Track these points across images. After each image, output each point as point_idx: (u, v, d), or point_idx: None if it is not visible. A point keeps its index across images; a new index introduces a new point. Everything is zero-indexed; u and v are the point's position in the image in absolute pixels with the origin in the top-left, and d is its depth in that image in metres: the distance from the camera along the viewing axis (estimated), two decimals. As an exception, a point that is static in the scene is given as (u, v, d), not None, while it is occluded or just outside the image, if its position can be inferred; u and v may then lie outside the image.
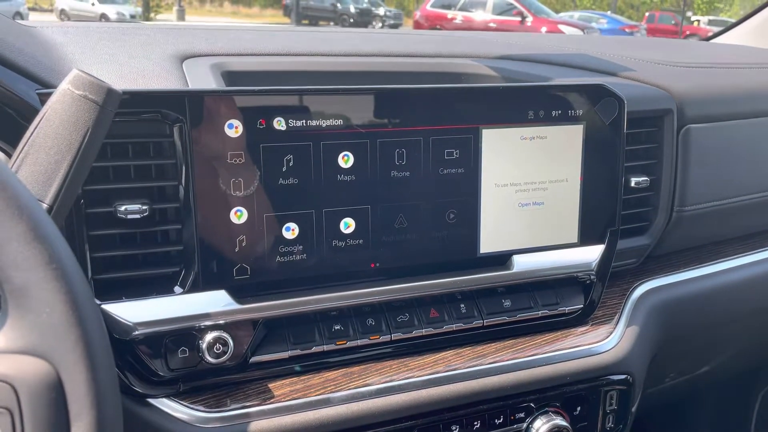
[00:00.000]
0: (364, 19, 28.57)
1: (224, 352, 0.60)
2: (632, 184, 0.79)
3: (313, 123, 0.62)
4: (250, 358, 0.62)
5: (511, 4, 15.63)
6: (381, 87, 0.64)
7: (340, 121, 0.63)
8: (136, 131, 0.57)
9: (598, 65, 0.90)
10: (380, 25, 29.09)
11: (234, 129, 0.59)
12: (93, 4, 20.50)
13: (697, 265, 0.90)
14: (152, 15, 13.83)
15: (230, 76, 0.71)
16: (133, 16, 19.62)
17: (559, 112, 0.71)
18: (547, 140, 0.71)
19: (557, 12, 23.31)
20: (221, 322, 0.60)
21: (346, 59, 0.79)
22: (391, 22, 29.51)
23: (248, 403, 0.60)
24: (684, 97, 0.81)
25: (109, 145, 0.57)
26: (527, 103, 0.69)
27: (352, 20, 28.31)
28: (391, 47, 0.86)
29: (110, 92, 0.46)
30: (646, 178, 0.80)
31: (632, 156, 0.79)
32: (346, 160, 0.64)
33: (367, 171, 0.64)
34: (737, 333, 1.02)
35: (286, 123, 0.61)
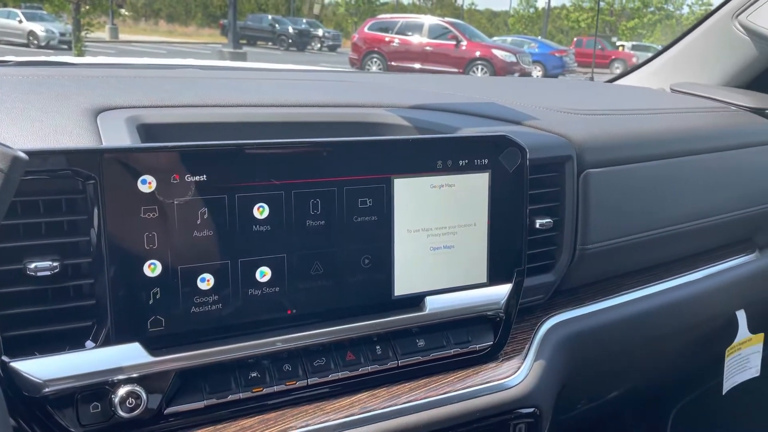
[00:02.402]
0: (302, 40, 28.63)
1: (137, 405, 0.60)
2: (537, 226, 0.84)
3: (228, 176, 0.63)
4: (164, 409, 0.62)
5: (447, 28, 16.03)
6: (295, 141, 0.66)
7: (254, 174, 0.65)
8: (48, 188, 0.58)
9: (504, 114, 0.95)
10: (319, 46, 29.21)
11: (147, 184, 0.60)
12: (20, 21, 19.79)
13: (600, 299, 0.96)
14: (83, 33, 13.42)
15: (146, 129, 0.72)
16: (63, 34, 19.01)
17: (466, 161, 0.75)
18: (455, 188, 0.75)
19: (491, 36, 24.02)
20: (134, 375, 0.60)
21: (263, 110, 0.81)
22: (330, 43, 29.69)
23: (162, 455, 0.60)
24: (583, 144, 0.87)
25: (19, 203, 0.57)
26: (436, 153, 0.73)
27: (290, 41, 28.31)
28: (308, 96, 0.88)
29: (15, 160, 0.47)
30: (549, 220, 0.85)
31: (536, 199, 0.84)
32: (261, 212, 0.66)
33: (283, 221, 0.66)
34: (640, 359, 1.09)
35: (200, 177, 0.62)
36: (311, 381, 0.69)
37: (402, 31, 16.34)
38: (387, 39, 16.20)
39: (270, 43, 29.05)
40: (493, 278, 0.79)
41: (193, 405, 0.64)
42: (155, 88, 0.83)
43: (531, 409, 0.78)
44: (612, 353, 0.98)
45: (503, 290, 0.79)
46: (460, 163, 0.75)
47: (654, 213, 0.96)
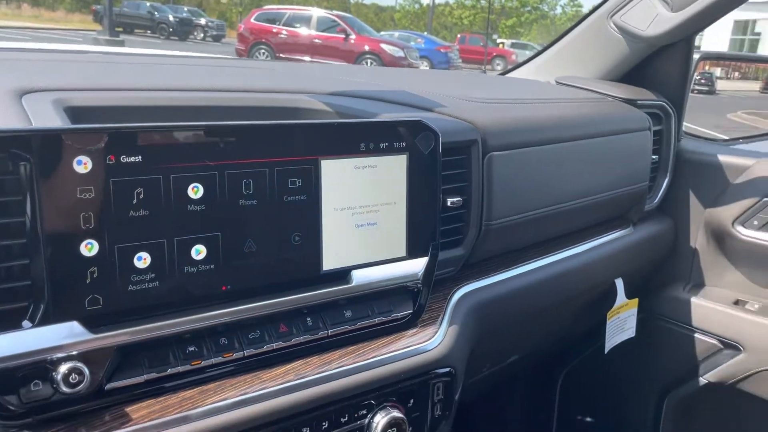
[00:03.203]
0: (184, 29, 27.50)
1: (80, 382, 0.61)
2: (449, 204, 0.92)
3: (163, 157, 0.65)
4: (105, 385, 0.64)
5: (335, 21, 16.06)
6: (228, 123, 0.69)
7: (189, 155, 0.67)
8: (-23, 169, 0.57)
9: (417, 102, 1.02)
10: (201, 35, 28.20)
11: (83, 165, 0.61)
12: None
13: (502, 270, 1.06)
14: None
15: (74, 112, 0.71)
16: None
17: (386, 144, 0.81)
18: (377, 168, 0.81)
19: (378, 31, 24.33)
20: (74, 352, 0.61)
21: (191, 95, 0.82)
22: (214, 33, 28.74)
23: (107, 428, 0.61)
24: (486, 129, 0.96)
25: (-52, 185, 0.56)
26: (359, 136, 0.78)
27: (171, 29, 27.12)
28: (234, 82, 0.91)
29: None
30: (459, 199, 0.93)
31: (448, 180, 0.92)
32: (195, 191, 0.68)
33: (216, 200, 0.69)
34: (537, 325, 1.21)
35: (136, 158, 0.64)
36: (247, 352, 0.72)
37: (289, 22, 16.17)
38: (275, 30, 15.98)
39: (149, 32, 27.67)
40: (412, 252, 0.85)
41: (133, 380, 0.65)
42: (78, 71, 0.82)
43: (447, 369, 0.86)
44: (513, 319, 1.08)
45: (420, 263, 0.86)
46: (381, 145, 0.81)
47: (545, 192, 1.07)
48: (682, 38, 1.30)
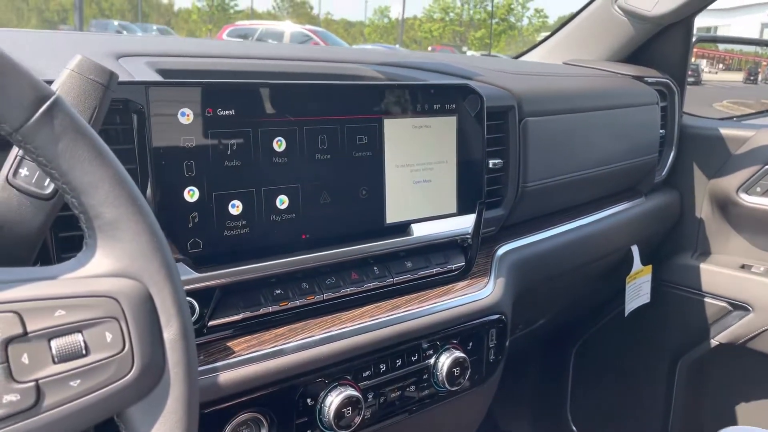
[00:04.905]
0: (156, 46, 27.38)
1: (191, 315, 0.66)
2: (490, 166, 0.99)
3: (252, 112, 0.71)
4: (207, 322, 0.69)
5: (308, 35, 16.12)
6: (307, 83, 0.75)
7: (274, 111, 0.73)
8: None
9: (458, 71, 1.09)
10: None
11: (186, 116, 0.66)
12: None
13: (535, 233, 1.13)
14: None
15: (165, 74, 0.77)
16: None
17: (439, 105, 0.88)
18: (431, 129, 0.87)
19: (350, 45, 24.51)
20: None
21: (266, 62, 0.88)
22: (186, 50, 28.66)
23: (213, 359, 0.66)
24: (521, 96, 1.03)
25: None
26: (415, 98, 0.85)
27: (143, 47, 26.94)
28: (298, 52, 0.97)
29: (113, 75, 0.52)
30: (500, 161, 1.00)
31: (489, 143, 0.99)
32: (279, 145, 0.74)
33: (297, 154, 0.75)
34: (564, 287, 1.28)
35: (230, 112, 0.70)
36: (326, 296, 0.78)
37: (262, 38, 16.16)
38: (249, 46, 15.99)
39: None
40: (461, 209, 0.92)
41: (232, 317, 0.70)
42: (160, 42, 0.87)
43: (498, 316, 0.92)
44: (544, 278, 1.15)
45: (469, 220, 0.93)
46: (435, 107, 0.88)
47: (573, 158, 1.15)
48: (688, 15, 1.40)
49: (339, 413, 0.73)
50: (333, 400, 0.73)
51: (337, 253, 0.79)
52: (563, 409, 1.77)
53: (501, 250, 1.02)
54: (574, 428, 1.78)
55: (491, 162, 0.99)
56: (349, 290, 0.80)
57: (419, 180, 0.87)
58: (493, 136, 1.00)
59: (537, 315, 1.28)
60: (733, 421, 1.52)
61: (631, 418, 1.67)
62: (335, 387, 0.74)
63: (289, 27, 17.16)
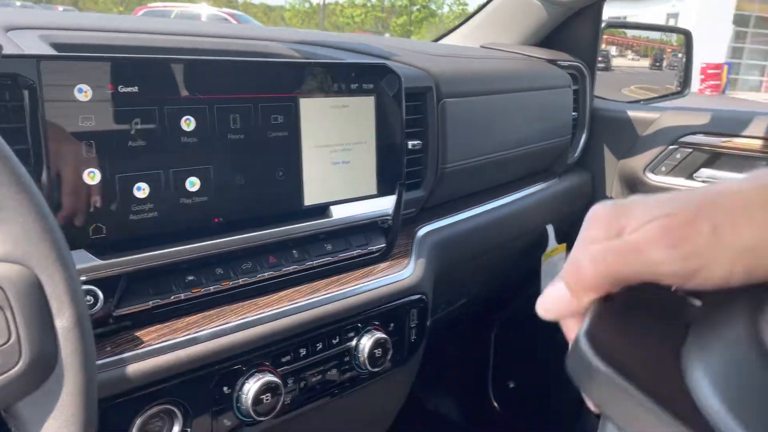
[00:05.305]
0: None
1: (93, 305, 0.62)
2: (410, 147, 0.98)
3: (158, 89, 0.67)
4: (113, 311, 0.65)
5: (227, 19, 15.66)
6: (217, 59, 0.72)
7: (182, 88, 0.69)
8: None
9: (376, 51, 1.08)
10: (83, 34, 26.62)
11: (84, 93, 0.62)
12: None
13: (454, 214, 1.14)
14: None
15: (60, 48, 0.71)
16: None
17: (356, 85, 0.86)
18: (349, 108, 0.86)
19: (272, 28, 24.01)
20: (84, 277, 0.62)
21: (172, 38, 0.83)
22: (96, 32, 27.22)
23: (121, 350, 0.63)
24: (439, 77, 1.03)
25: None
26: (333, 77, 0.83)
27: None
28: (210, 29, 0.92)
29: None
30: (419, 142, 1.00)
31: (407, 124, 0.98)
32: (188, 124, 0.70)
33: (207, 134, 0.72)
34: (482, 268, 1.30)
35: (133, 88, 0.66)
36: (242, 281, 0.76)
37: (178, 21, 15.60)
38: (164, 28, 15.37)
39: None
40: (381, 190, 0.91)
41: (141, 306, 0.67)
42: (57, 15, 0.81)
43: (419, 296, 0.92)
44: (463, 258, 1.16)
45: (389, 202, 0.92)
46: (352, 86, 0.86)
47: (491, 139, 1.16)
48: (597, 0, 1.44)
49: (257, 400, 0.71)
50: (251, 387, 0.71)
51: (253, 236, 0.77)
52: (485, 387, 1.82)
53: (421, 231, 1.03)
54: (495, 405, 1.83)
55: (410, 143, 0.99)
56: (266, 275, 0.78)
57: (338, 161, 0.86)
58: (412, 117, 0.99)
59: (458, 295, 1.30)
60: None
61: (549, 395, 1.74)
62: (253, 374, 0.72)
63: (205, 10, 16.58)
